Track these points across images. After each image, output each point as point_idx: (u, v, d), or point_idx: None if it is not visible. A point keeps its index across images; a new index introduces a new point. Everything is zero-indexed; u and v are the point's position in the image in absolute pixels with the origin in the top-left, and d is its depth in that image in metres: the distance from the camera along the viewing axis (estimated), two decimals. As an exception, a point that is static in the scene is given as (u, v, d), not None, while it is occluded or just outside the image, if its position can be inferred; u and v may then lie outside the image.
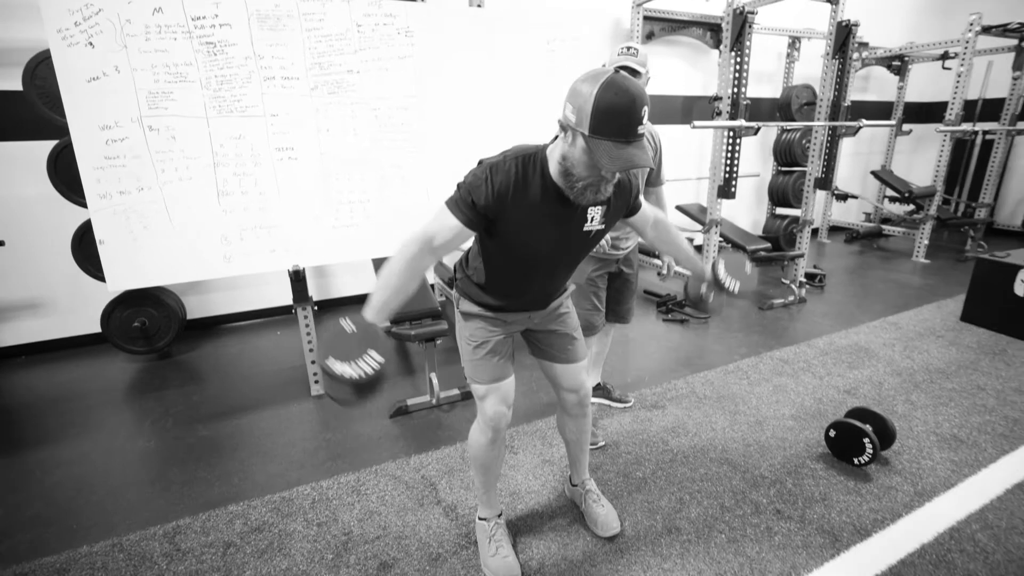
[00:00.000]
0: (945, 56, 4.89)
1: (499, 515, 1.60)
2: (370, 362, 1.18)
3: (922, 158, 6.02)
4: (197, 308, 3.38)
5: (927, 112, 5.78)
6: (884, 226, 5.30)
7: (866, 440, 1.90)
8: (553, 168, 1.13)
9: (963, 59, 4.14)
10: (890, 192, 5.42)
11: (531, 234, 1.19)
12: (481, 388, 1.43)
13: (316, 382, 2.58)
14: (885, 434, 1.98)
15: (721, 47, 3.11)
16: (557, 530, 1.68)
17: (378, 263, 2.92)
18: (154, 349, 3.01)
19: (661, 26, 4.12)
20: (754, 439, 2.15)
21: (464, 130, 2.41)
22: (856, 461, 1.94)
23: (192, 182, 1.99)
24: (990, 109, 5.09)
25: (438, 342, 2.39)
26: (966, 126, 4.30)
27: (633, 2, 3.89)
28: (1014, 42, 4.45)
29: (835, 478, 1.90)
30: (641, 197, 1.39)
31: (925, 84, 5.63)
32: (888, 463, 1.98)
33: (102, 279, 2.70)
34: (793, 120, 4.66)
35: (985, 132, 4.88)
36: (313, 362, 2.56)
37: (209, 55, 1.91)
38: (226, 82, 1.96)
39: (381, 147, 2.25)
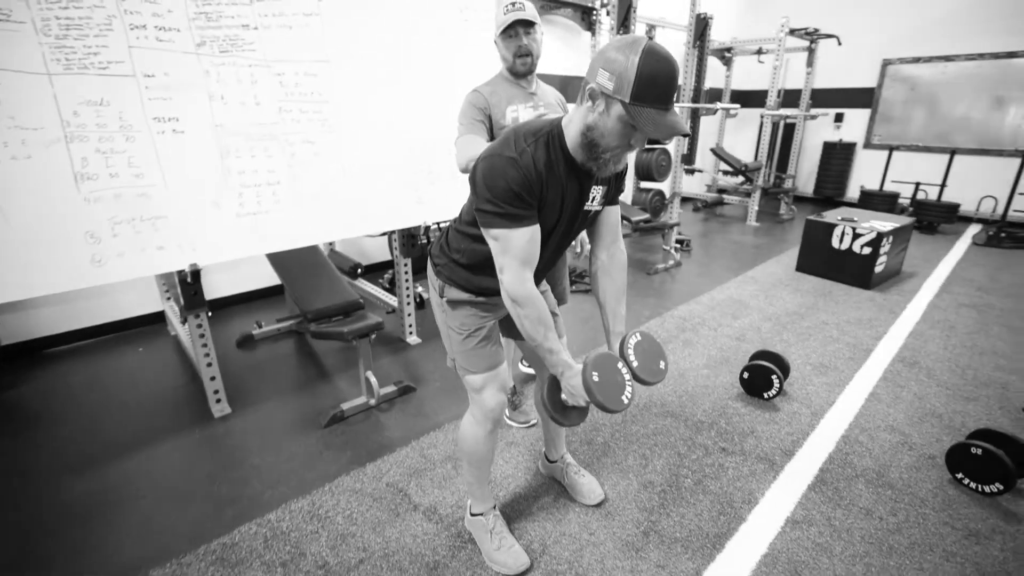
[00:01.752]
0: (760, 51, 5.83)
1: (494, 507, 1.54)
2: (628, 393, 1.18)
3: (742, 136, 7.16)
4: (15, 330, 2.58)
5: (744, 98, 6.85)
6: (724, 196, 6.21)
7: (774, 377, 2.25)
8: (572, 140, 1.09)
9: (777, 54, 4.98)
10: (723, 166, 6.36)
11: (549, 212, 1.14)
12: (478, 379, 1.34)
13: (218, 400, 2.17)
14: (784, 369, 2.36)
15: (609, 29, 3.28)
16: (546, 508, 1.68)
17: (274, 258, 2.53)
18: (-47, 391, 2.24)
19: (541, 4, 4.17)
20: (683, 390, 2.38)
21: (380, 100, 2.17)
22: (765, 395, 2.29)
23: (32, 162, 1.48)
24: (789, 98, 6.24)
25: (373, 337, 2.18)
26: (787, 111, 5.21)
27: (515, -23, 3.87)
28: (806, 43, 5.48)
29: (754, 412, 2.21)
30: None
31: (743, 74, 6.65)
32: (786, 393, 2.36)
33: None
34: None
35: (786, 117, 5.96)
36: (213, 378, 2.14)
37: (44, -12, 1.42)
38: (74, 27, 1.47)
39: (290, 119, 1.92)
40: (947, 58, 5.58)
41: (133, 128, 1.61)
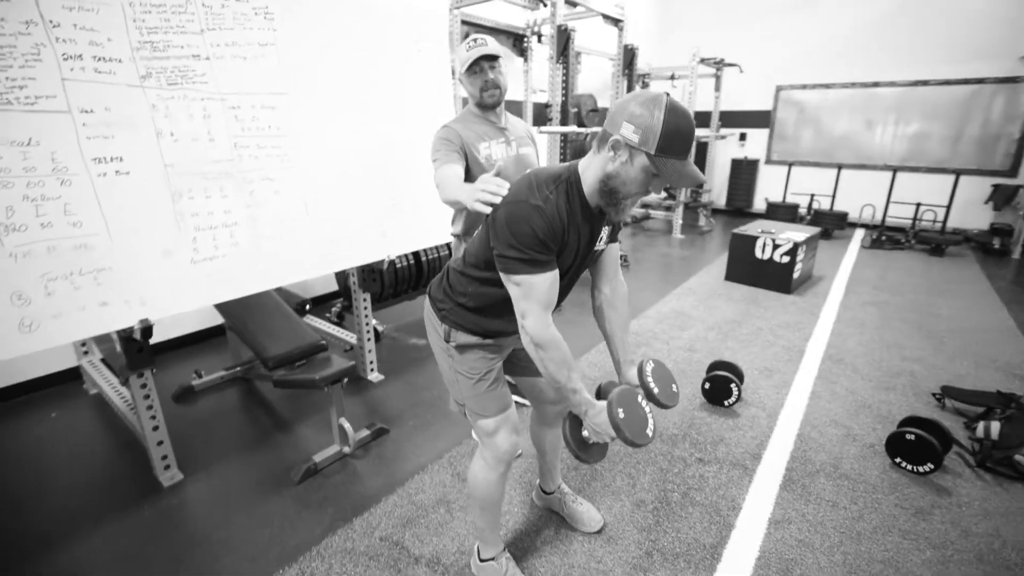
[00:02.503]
0: (673, 77, 6.33)
1: (504, 550, 1.51)
2: (651, 426, 1.21)
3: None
4: None
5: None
6: (650, 211, 6.61)
7: (733, 385, 2.41)
8: (590, 187, 1.12)
9: (690, 80, 5.43)
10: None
11: (567, 255, 1.16)
12: (491, 423, 1.32)
13: (167, 467, 1.94)
14: (740, 377, 2.54)
15: (548, 58, 3.39)
16: (549, 542, 1.67)
17: (223, 307, 2.31)
18: None
19: (475, 30, 4.24)
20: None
21: (341, 132, 2.09)
22: (726, 403, 2.45)
23: (-57, 215, 1.25)
24: (700, 119, 6.81)
25: (345, 381, 2.06)
26: (700, 132, 5.66)
27: (451, 5, 3.90)
28: (714, 71, 6.03)
29: (718, 420, 2.36)
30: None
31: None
32: (742, 399, 2.54)
33: None
34: (583, 124, 5.38)
35: (699, 136, 6.50)
36: (161, 442, 1.91)
37: (-44, 14, 1.22)
38: (-6, 58, 1.28)
39: (247, 155, 1.78)
40: (827, 86, 6.40)
41: (69, 171, 1.41)
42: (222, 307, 2.34)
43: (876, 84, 6.10)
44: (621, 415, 1.15)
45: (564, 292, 1.31)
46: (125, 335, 1.65)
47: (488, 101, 1.74)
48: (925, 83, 5.84)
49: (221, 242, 1.75)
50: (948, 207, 5.63)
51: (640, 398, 1.22)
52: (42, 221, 1.38)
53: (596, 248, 1.25)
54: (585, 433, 1.25)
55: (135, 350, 1.71)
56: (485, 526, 1.45)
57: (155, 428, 1.88)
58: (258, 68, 1.78)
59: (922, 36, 5.77)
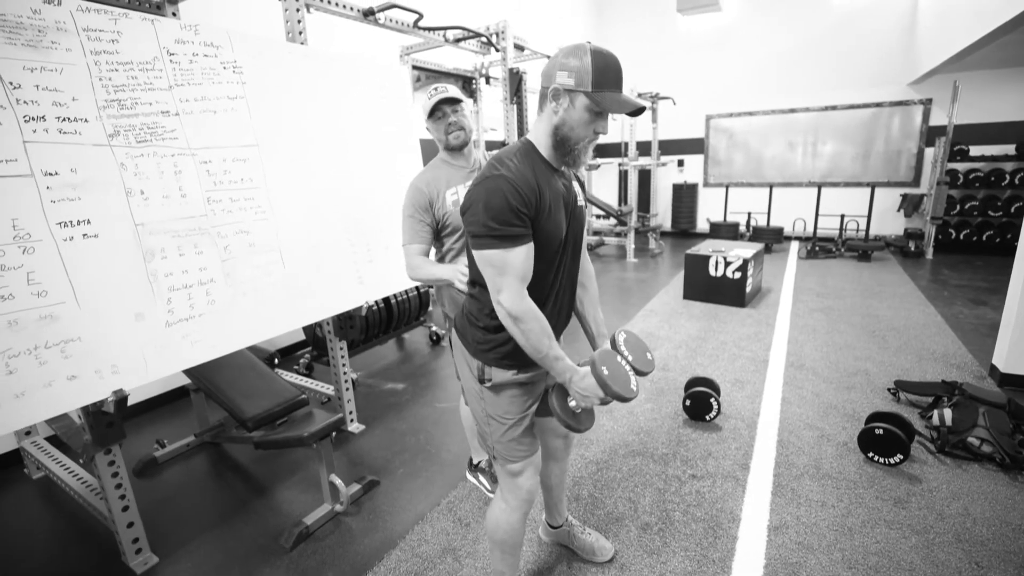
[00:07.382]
0: (612, 111, 6.71)
1: (523, 592, 1.48)
2: (635, 381, 1.21)
3: (600, 182, 8.03)
4: None
5: (600, 150, 7.75)
6: (603, 237, 6.85)
7: (712, 400, 2.51)
8: (545, 145, 1.16)
9: (630, 114, 5.77)
10: (595, 211, 7.04)
11: (552, 219, 1.15)
12: (517, 466, 1.31)
13: (139, 551, 1.77)
14: (717, 391, 2.64)
15: (502, 99, 3.53)
16: (564, 578, 1.65)
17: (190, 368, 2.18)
18: None
19: (427, 75, 4.35)
20: (638, 427, 2.54)
21: (313, 180, 2.07)
22: (707, 418, 2.53)
23: None
24: (640, 148, 7.22)
25: (334, 435, 1.97)
26: (642, 160, 6.00)
27: (401, 51, 4.00)
28: (650, 103, 6.45)
29: (703, 435, 2.44)
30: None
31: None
32: (721, 411, 2.64)
33: None
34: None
35: (642, 165, 6.88)
36: (131, 524, 1.74)
37: (-92, 80, 1.13)
38: (-52, 124, 1.19)
39: (220, 210, 1.73)
40: (750, 113, 6.99)
41: (32, 237, 1.32)
42: (188, 368, 2.20)
43: (793, 110, 6.73)
44: (606, 372, 1.13)
45: (572, 266, 1.29)
46: (94, 409, 1.52)
47: (453, 143, 1.78)
48: (834, 108, 6.51)
49: (197, 301, 1.67)
50: (868, 217, 6.21)
51: (619, 358, 1.23)
52: (3, 293, 1.27)
53: (579, 203, 1.27)
54: (572, 402, 1.23)
55: (104, 424, 1.58)
56: (507, 570, 1.42)
57: (125, 508, 1.72)
58: (228, 121, 1.75)
59: (828, 66, 6.46)
